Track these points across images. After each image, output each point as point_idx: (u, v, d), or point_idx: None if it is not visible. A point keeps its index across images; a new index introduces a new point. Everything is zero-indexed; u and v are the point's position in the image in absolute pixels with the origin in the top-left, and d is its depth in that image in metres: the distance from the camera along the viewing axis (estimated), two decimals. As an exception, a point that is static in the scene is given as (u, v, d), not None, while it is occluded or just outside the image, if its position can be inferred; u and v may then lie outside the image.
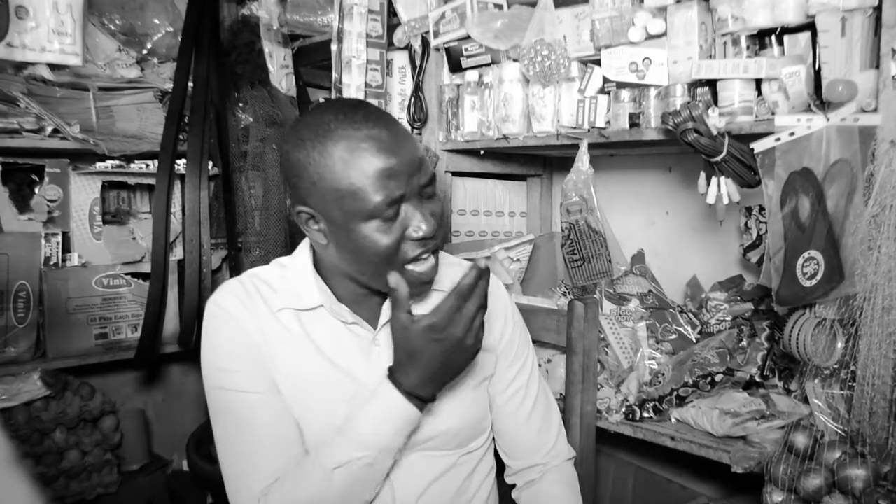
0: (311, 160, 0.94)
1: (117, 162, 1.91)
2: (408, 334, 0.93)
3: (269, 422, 1.00)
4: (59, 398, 1.84)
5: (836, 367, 1.10)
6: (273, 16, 1.90)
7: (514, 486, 1.21)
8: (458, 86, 1.67)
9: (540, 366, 1.29)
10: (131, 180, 2.01)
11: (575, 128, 1.44)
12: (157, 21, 1.99)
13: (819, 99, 1.07)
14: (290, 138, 0.99)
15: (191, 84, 1.92)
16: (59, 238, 1.88)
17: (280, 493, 0.97)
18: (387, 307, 1.07)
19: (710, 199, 1.19)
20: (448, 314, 0.92)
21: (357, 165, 0.92)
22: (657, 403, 1.35)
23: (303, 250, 1.09)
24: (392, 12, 1.71)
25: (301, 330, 1.04)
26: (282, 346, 1.03)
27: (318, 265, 1.07)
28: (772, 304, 1.12)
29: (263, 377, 1.02)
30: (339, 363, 1.04)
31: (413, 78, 1.71)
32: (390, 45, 1.72)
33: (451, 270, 1.16)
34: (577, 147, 1.44)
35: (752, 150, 1.08)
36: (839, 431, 1.09)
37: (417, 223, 0.96)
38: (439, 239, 1.01)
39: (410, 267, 0.98)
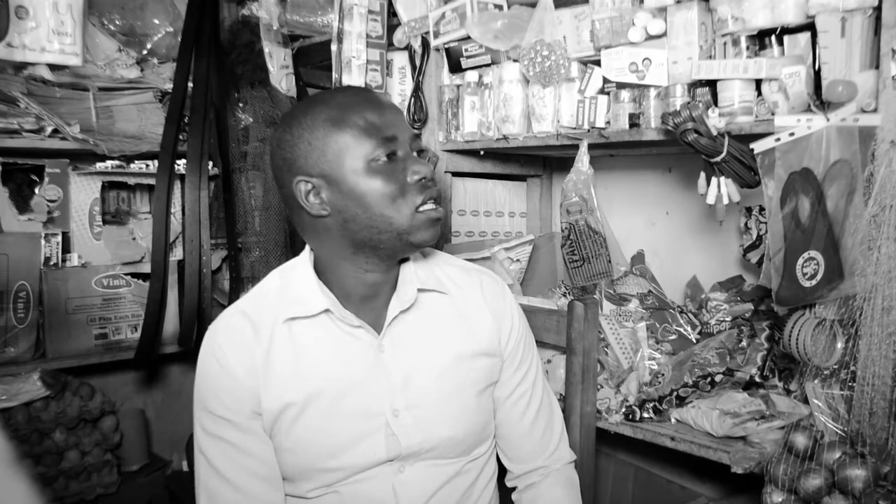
0: (305, 126, 0.99)
1: (117, 162, 1.91)
2: None
3: (244, 476, 1.01)
4: (58, 398, 1.84)
5: (835, 367, 1.10)
6: (273, 16, 1.90)
7: (514, 488, 1.21)
8: (458, 86, 1.67)
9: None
10: (131, 180, 2.01)
11: (575, 128, 1.44)
12: (157, 21, 1.99)
13: (819, 99, 1.07)
14: (282, 126, 1.03)
15: (191, 84, 1.92)
16: (59, 238, 1.88)
17: None
18: (392, 306, 1.06)
19: (710, 200, 1.19)
20: None
21: (348, 118, 0.98)
22: (657, 404, 1.35)
23: (303, 259, 1.08)
24: (392, 13, 1.71)
25: (302, 348, 1.03)
26: (284, 370, 1.02)
27: (318, 272, 1.07)
28: (772, 304, 1.12)
29: (249, 429, 1.02)
30: (342, 377, 1.03)
31: (413, 78, 1.71)
32: (390, 46, 1.72)
33: (452, 271, 1.15)
34: (576, 147, 1.44)
35: (752, 150, 1.08)
36: (839, 432, 1.09)
37: (415, 167, 1.00)
38: (438, 188, 1.04)
39: (420, 208, 1.00)
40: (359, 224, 0.99)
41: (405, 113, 1.73)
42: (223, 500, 1.01)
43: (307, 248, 1.09)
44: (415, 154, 1.03)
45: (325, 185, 0.98)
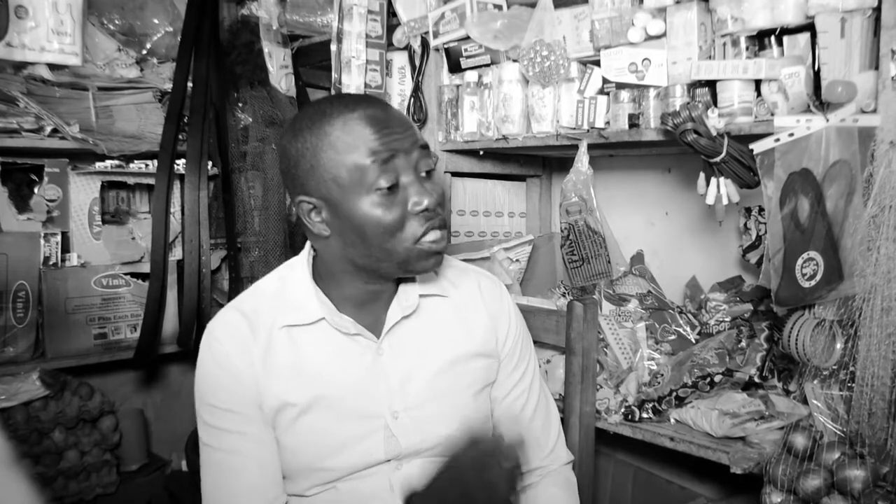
0: (308, 145, 0.96)
1: (116, 162, 1.91)
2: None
3: (250, 466, 1.01)
4: (57, 398, 1.84)
5: (835, 367, 1.10)
6: (273, 16, 1.90)
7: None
8: (458, 86, 1.67)
9: (539, 366, 1.28)
10: (130, 180, 2.01)
11: (574, 128, 1.44)
12: (156, 21, 1.99)
13: (818, 100, 1.07)
14: (288, 133, 1.00)
15: (190, 84, 1.92)
16: (59, 238, 1.88)
17: None
18: (393, 311, 1.06)
19: (710, 200, 1.19)
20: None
21: (352, 140, 0.94)
22: (656, 404, 1.35)
23: (301, 261, 1.08)
24: (392, 13, 1.71)
25: (300, 352, 1.03)
26: (282, 372, 1.02)
27: (317, 275, 1.06)
28: (771, 304, 1.12)
29: (252, 419, 1.01)
30: (342, 380, 1.03)
31: (412, 78, 1.71)
32: (390, 46, 1.72)
33: (450, 272, 1.15)
34: (576, 148, 1.44)
35: (752, 150, 1.08)
36: (838, 432, 1.09)
37: (417, 198, 0.96)
38: (444, 214, 1.01)
39: (420, 240, 0.97)
40: (357, 251, 0.98)
41: (404, 113, 1.73)
42: (226, 490, 1.01)
43: (307, 246, 1.09)
44: (423, 175, 0.99)
45: (325, 207, 0.97)
